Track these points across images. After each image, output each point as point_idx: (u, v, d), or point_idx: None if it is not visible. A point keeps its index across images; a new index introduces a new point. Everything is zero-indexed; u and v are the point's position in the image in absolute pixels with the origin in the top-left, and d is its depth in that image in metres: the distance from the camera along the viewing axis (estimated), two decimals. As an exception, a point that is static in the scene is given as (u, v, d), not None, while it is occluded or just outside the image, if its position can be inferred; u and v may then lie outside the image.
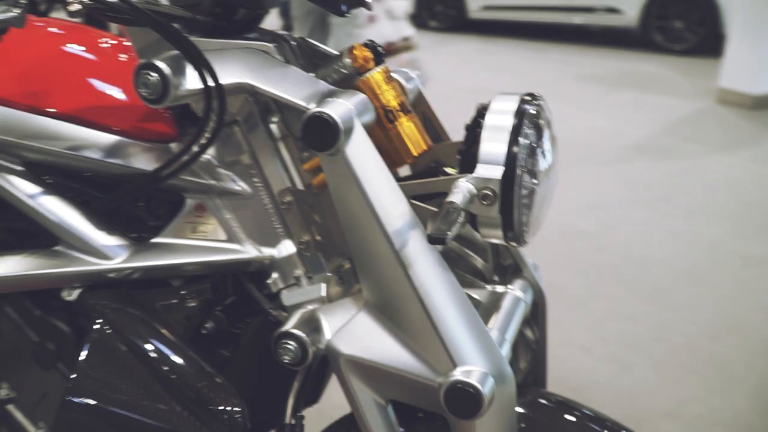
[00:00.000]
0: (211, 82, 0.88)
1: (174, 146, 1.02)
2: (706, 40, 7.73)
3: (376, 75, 0.95)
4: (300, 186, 0.99)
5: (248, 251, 1.00)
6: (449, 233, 0.74)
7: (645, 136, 5.21)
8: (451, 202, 0.78)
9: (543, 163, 0.90)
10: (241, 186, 1.00)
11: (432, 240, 0.75)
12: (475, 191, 0.83)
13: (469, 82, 6.43)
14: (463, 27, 9.63)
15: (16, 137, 0.99)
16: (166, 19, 0.89)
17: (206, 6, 0.96)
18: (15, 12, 0.79)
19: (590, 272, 3.22)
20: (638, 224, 3.72)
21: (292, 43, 1.03)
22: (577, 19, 8.66)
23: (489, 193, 0.83)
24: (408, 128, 0.95)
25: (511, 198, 0.83)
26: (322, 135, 0.83)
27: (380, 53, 0.98)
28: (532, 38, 9.01)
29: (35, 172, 1.01)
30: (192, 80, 0.89)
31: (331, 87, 0.91)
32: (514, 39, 9.08)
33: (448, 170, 0.99)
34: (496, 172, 0.83)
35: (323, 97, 0.88)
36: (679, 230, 3.65)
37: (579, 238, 3.55)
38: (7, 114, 0.99)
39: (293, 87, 0.89)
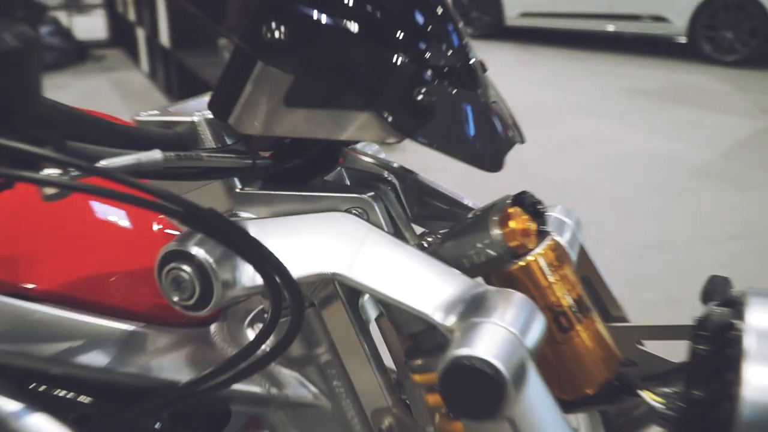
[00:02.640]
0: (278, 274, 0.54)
1: (214, 330, 0.68)
2: (757, 51, 7.25)
3: (541, 258, 0.59)
4: (407, 404, 0.64)
5: None
6: None
7: (707, 160, 4.79)
8: None
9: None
10: (313, 392, 0.67)
11: None
12: None
13: (511, 95, 6.05)
14: (499, 34, 9.22)
15: None
16: (210, 174, 0.55)
17: (269, 143, 0.61)
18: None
19: (667, 332, 2.83)
20: (713, 269, 3.31)
21: (394, 182, 0.68)
22: (622, 27, 8.21)
23: None
24: (588, 339, 0.60)
25: None
26: (479, 397, 0.48)
27: (540, 212, 0.63)
28: (571, 47, 8.59)
29: (17, 382, 0.68)
30: (251, 272, 0.56)
31: (474, 284, 0.56)
32: (554, 47, 8.67)
33: (647, 396, 0.63)
34: None
35: (466, 307, 0.53)
36: (759, 278, 3.25)
37: (647, 287, 3.16)
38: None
39: (410, 281, 0.55)
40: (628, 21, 8.12)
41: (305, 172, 0.65)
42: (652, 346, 0.76)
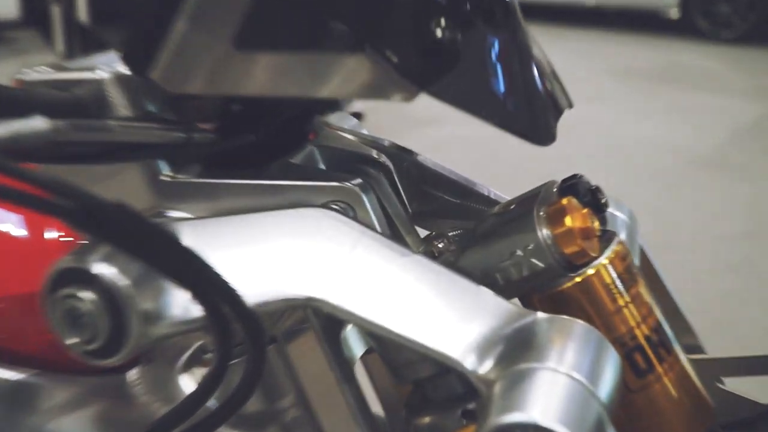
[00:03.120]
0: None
1: (134, 378, 0.54)
2: (757, 26, 7.27)
3: (606, 271, 0.46)
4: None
5: None
6: None
7: (710, 148, 4.74)
8: None
9: None
10: None
11: None
12: None
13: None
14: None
15: None
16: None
17: (211, 109, 0.47)
18: None
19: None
20: (725, 274, 3.22)
21: (388, 164, 0.54)
22: (604, 0, 8.18)
23: None
24: (673, 386, 0.47)
25: None
26: None
27: (602, 206, 0.49)
28: (547, 23, 8.52)
29: None
30: (185, 299, 0.42)
31: (516, 310, 0.43)
32: (530, 23, 8.63)
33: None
34: None
35: (507, 346, 0.42)
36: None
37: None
38: None
39: (421, 306, 0.43)
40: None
41: (263, 152, 0.51)
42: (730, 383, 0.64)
